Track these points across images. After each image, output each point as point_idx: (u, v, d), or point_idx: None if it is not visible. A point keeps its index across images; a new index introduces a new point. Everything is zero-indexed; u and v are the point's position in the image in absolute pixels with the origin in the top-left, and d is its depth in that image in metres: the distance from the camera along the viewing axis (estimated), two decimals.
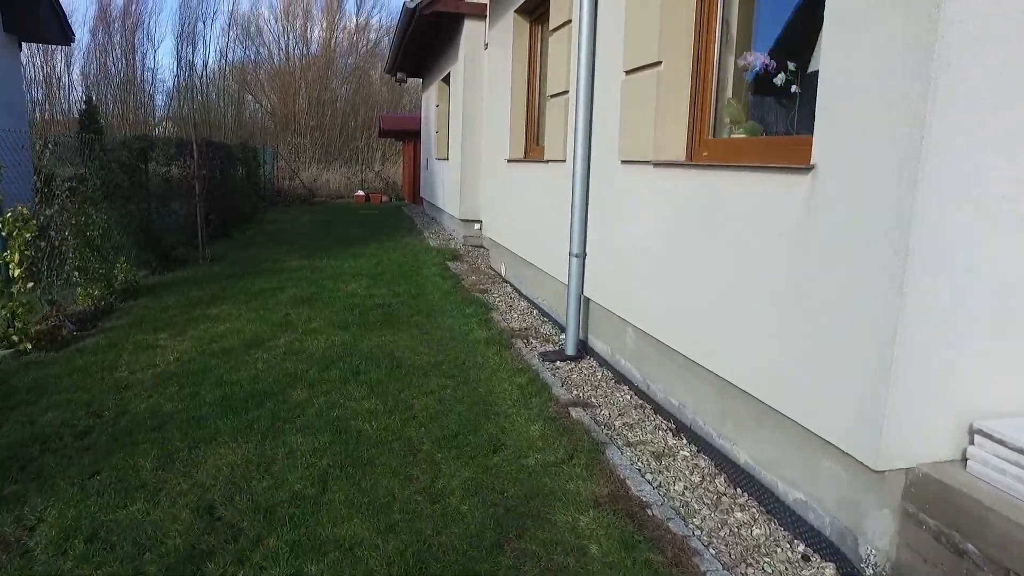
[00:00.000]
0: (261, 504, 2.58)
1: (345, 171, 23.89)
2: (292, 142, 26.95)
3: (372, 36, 31.88)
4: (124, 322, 5.25)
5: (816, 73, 2.85)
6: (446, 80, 11.81)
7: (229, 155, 11.88)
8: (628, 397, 3.88)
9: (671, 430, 3.43)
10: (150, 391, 3.75)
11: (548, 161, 5.29)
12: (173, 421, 3.34)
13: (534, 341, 4.92)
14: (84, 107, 13.46)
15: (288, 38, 30.94)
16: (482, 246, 9.83)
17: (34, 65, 27.80)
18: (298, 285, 6.71)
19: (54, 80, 28.41)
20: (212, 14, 36.08)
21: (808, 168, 2.32)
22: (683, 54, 3.39)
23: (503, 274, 7.26)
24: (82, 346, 4.59)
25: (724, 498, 2.76)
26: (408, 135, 19.04)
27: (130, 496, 2.62)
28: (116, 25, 29.46)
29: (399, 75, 14.89)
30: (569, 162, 4.80)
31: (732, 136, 3.24)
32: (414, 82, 28.52)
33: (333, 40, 30.75)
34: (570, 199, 4.43)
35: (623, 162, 3.90)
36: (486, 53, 9.24)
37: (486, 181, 8.72)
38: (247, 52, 31.43)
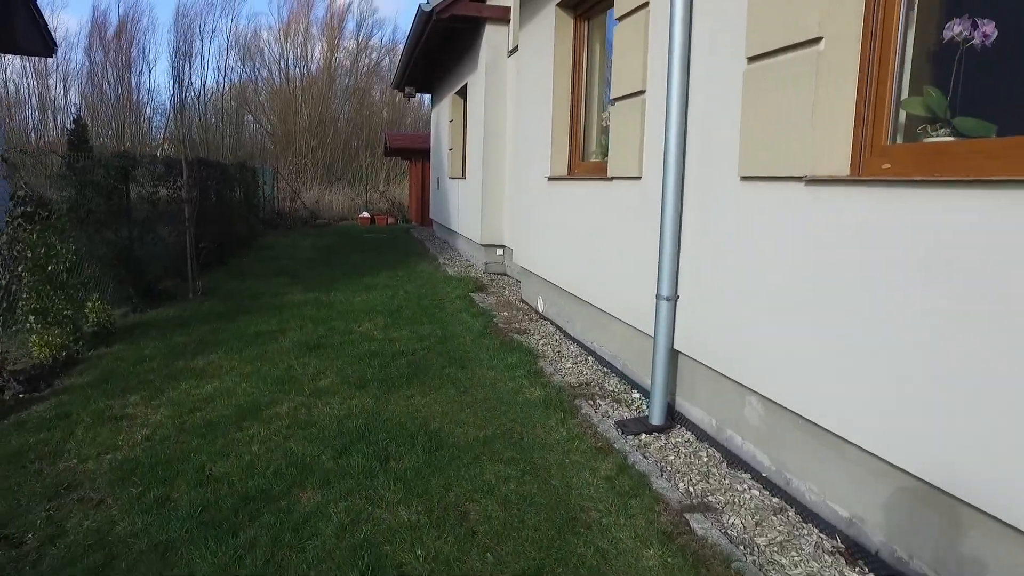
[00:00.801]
0: None
1: (349, 192, 22.96)
2: (293, 162, 26.09)
3: (373, 56, 31.28)
4: (88, 379, 4.22)
5: None
6: (461, 93, 10.92)
7: (225, 175, 10.88)
8: (756, 493, 2.85)
9: (840, 552, 2.40)
10: (102, 495, 2.71)
11: (613, 179, 4.32)
12: (126, 552, 2.31)
13: (602, 403, 3.90)
14: (73, 126, 12.54)
15: (288, 58, 30.29)
16: (506, 274, 8.84)
17: (28, 86, 27.07)
18: (303, 326, 5.68)
19: (49, 102, 27.62)
20: (210, 32, 35.17)
21: None
22: (852, 27, 2.43)
23: (540, 310, 6.25)
24: (25, 416, 3.55)
25: None
26: (416, 153, 18.13)
27: None
28: (111, 44, 28.76)
29: (408, 90, 13.99)
30: (649, 179, 3.83)
31: (932, 140, 2.26)
32: (416, 103, 27.90)
33: (334, 60, 30.09)
34: (656, 227, 3.45)
35: (744, 179, 2.92)
36: (511, 59, 8.35)
37: (513, 202, 7.75)
38: (246, 71, 30.73)
